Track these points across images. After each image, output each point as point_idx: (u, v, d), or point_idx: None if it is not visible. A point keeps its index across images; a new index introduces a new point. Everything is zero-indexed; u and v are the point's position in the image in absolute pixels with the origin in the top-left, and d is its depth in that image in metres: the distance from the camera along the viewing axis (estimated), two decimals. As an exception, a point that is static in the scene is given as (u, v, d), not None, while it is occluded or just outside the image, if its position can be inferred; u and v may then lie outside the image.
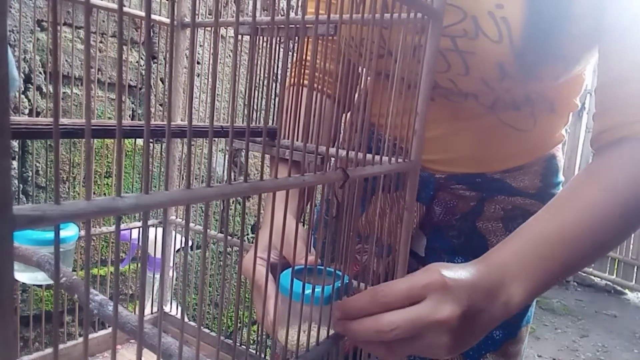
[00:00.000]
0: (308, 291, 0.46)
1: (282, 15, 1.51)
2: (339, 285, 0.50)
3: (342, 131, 0.78)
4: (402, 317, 0.43)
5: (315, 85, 0.72)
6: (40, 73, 1.17)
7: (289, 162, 0.39)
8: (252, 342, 1.45)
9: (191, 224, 1.01)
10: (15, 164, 1.14)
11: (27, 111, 1.15)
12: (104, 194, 1.15)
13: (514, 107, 0.69)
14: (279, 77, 0.39)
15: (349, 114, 0.75)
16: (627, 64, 0.55)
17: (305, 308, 0.46)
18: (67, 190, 1.03)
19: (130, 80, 1.36)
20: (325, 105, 0.73)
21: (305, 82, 0.70)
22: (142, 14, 0.91)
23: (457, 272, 0.45)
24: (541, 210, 0.55)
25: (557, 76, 0.63)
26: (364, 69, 0.56)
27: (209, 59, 1.14)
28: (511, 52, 0.58)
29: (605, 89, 0.57)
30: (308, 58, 0.66)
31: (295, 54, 0.69)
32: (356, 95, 0.68)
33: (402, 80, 0.50)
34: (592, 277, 4.28)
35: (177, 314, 1.02)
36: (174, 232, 1.02)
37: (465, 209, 0.73)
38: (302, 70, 0.59)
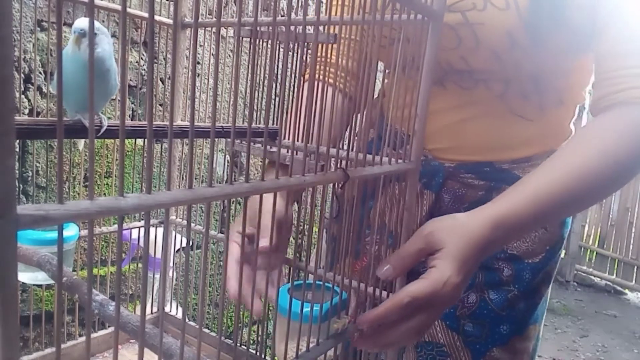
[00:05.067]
0: (306, 309, 0.48)
1: (282, 16, 1.51)
2: (337, 301, 0.52)
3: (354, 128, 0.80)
4: (415, 290, 0.49)
5: (332, 81, 0.75)
6: (40, 73, 1.17)
7: (289, 161, 0.39)
8: (252, 342, 1.46)
9: (191, 224, 1.01)
10: (15, 164, 1.13)
11: (27, 111, 1.15)
12: (104, 194, 1.15)
13: (523, 96, 0.71)
14: (280, 77, 0.39)
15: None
16: (621, 39, 0.60)
17: (303, 325, 0.47)
18: (67, 190, 1.03)
19: (130, 80, 1.36)
20: (337, 100, 0.75)
21: (326, 79, 0.75)
22: (143, 14, 0.91)
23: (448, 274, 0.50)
24: (531, 172, 0.61)
25: (565, 49, 0.66)
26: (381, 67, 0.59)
27: (209, 59, 1.14)
28: (519, 19, 0.62)
29: (601, 60, 0.63)
30: (327, 56, 0.72)
31: (295, 54, 0.69)
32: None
33: (412, 65, 0.51)
34: (592, 277, 4.28)
35: (177, 314, 1.02)
36: (173, 232, 1.02)
37: (474, 197, 0.75)
38: (326, 67, 0.65)
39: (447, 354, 0.74)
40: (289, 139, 0.58)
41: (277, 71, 0.72)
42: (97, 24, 0.56)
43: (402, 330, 0.50)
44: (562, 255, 4.31)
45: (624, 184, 0.61)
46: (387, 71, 0.85)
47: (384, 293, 0.55)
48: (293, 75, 0.71)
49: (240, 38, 0.72)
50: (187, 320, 1.07)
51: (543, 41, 0.63)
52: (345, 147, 0.49)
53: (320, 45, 0.61)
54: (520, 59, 0.66)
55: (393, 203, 0.59)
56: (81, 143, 0.84)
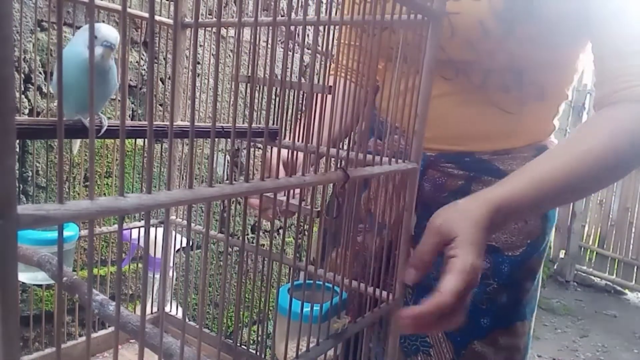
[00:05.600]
0: (306, 309, 0.48)
1: (282, 16, 1.51)
2: (337, 301, 0.52)
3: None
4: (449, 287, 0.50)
5: (344, 75, 0.81)
6: (40, 73, 1.17)
7: (287, 157, 0.39)
8: (252, 342, 1.46)
9: (191, 224, 1.01)
10: (15, 163, 1.13)
11: (27, 111, 1.15)
12: (104, 194, 1.15)
13: (504, 89, 0.73)
14: (280, 77, 0.40)
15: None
16: (625, 39, 0.62)
17: (303, 325, 0.47)
18: (67, 190, 1.03)
19: (131, 80, 1.36)
20: (351, 89, 0.79)
21: (339, 73, 0.82)
22: (143, 14, 0.91)
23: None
24: (533, 160, 0.63)
25: (534, 39, 0.68)
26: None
27: (209, 59, 1.14)
28: (490, 9, 0.65)
29: (601, 62, 0.65)
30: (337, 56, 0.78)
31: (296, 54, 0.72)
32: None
33: (404, 60, 0.52)
34: (592, 277, 4.28)
35: (177, 314, 1.02)
36: (173, 232, 1.02)
37: (453, 187, 0.76)
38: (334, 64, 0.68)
39: (430, 345, 0.75)
40: (290, 139, 0.58)
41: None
42: (114, 31, 0.56)
43: (441, 320, 0.51)
44: (562, 256, 4.27)
45: (624, 175, 0.63)
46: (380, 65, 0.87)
47: (384, 293, 0.55)
48: (293, 75, 0.71)
49: (241, 37, 0.72)
50: (187, 320, 1.07)
51: (514, 32, 0.65)
52: (346, 147, 0.49)
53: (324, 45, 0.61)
54: (494, 49, 0.68)
55: (382, 193, 0.60)
56: (76, 146, 0.84)
